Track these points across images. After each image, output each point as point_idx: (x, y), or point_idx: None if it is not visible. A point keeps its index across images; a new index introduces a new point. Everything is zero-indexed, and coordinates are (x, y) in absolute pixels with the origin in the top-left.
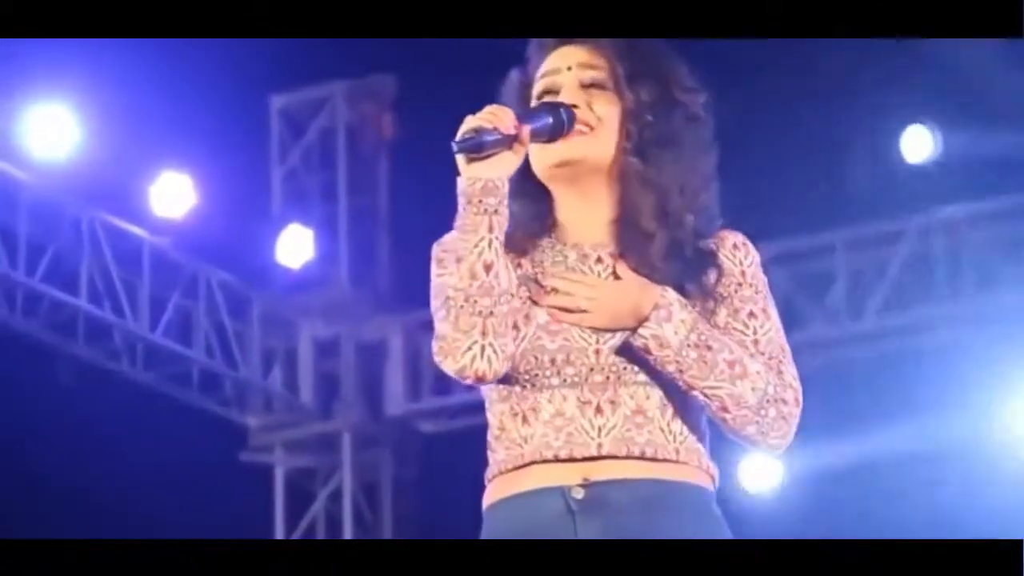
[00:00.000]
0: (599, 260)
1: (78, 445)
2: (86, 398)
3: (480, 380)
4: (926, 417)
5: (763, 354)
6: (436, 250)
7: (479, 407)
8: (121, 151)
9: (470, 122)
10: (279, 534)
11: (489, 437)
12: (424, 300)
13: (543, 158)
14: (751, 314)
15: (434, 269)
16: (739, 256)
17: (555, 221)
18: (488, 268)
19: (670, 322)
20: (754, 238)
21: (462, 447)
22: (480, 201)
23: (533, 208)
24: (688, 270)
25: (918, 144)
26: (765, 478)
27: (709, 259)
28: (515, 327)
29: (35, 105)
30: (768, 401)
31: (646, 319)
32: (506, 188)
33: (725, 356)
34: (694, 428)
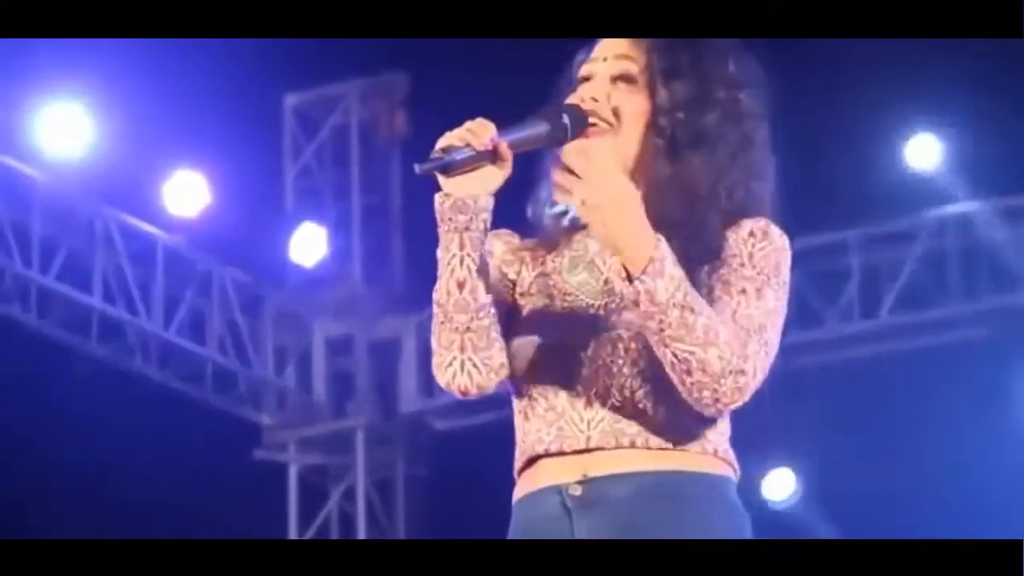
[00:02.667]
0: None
1: (92, 444)
2: (100, 396)
3: (464, 394)
4: (936, 417)
5: (736, 323)
6: None
7: (492, 404)
8: (135, 150)
9: (442, 140)
10: (292, 532)
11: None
12: None
13: (563, 157)
14: (742, 291)
15: None
16: (752, 241)
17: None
18: (461, 285)
19: (662, 277)
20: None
21: (475, 444)
22: (450, 219)
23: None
24: (701, 262)
25: (925, 151)
26: (776, 480)
27: (719, 250)
28: (515, 326)
29: (49, 104)
30: (729, 372)
31: (643, 271)
32: (485, 202)
33: (703, 320)
34: (697, 416)
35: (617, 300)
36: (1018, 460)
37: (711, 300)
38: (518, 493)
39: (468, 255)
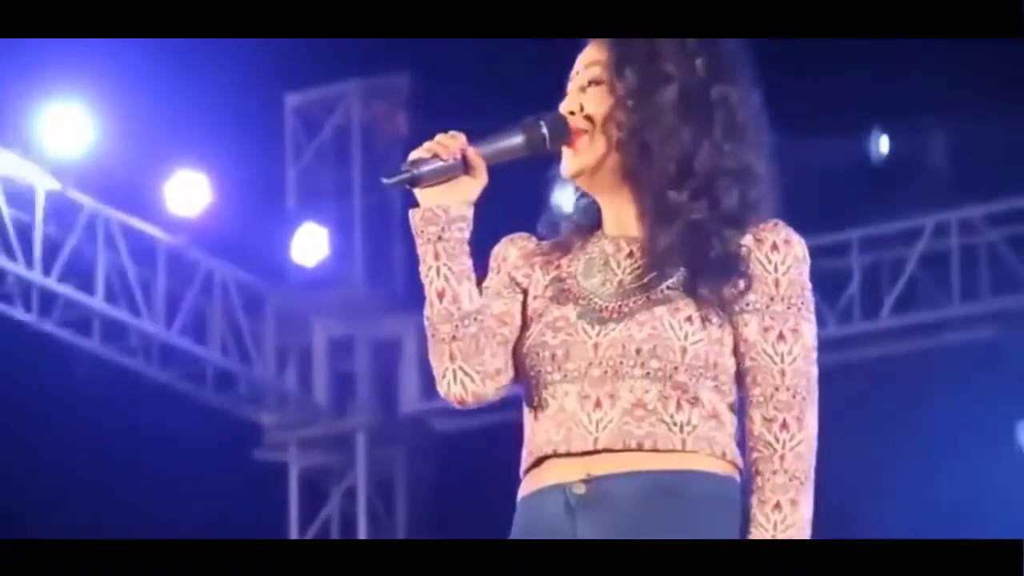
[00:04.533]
0: (630, 254)
1: (93, 444)
2: (101, 397)
3: (461, 404)
4: (938, 417)
5: (788, 390)
6: None
7: (493, 406)
8: (136, 149)
9: (412, 154)
10: (293, 532)
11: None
12: None
13: (563, 171)
14: (780, 336)
15: None
16: (775, 260)
17: (602, 217)
18: (441, 296)
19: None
20: None
21: (477, 446)
22: (422, 231)
23: (589, 210)
24: (717, 269)
25: (925, 150)
26: None
27: (738, 265)
28: (527, 329)
29: (50, 104)
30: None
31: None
32: (458, 212)
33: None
34: (707, 417)
35: (631, 303)
36: (1004, 460)
37: (746, 342)
38: (522, 492)
39: (444, 265)
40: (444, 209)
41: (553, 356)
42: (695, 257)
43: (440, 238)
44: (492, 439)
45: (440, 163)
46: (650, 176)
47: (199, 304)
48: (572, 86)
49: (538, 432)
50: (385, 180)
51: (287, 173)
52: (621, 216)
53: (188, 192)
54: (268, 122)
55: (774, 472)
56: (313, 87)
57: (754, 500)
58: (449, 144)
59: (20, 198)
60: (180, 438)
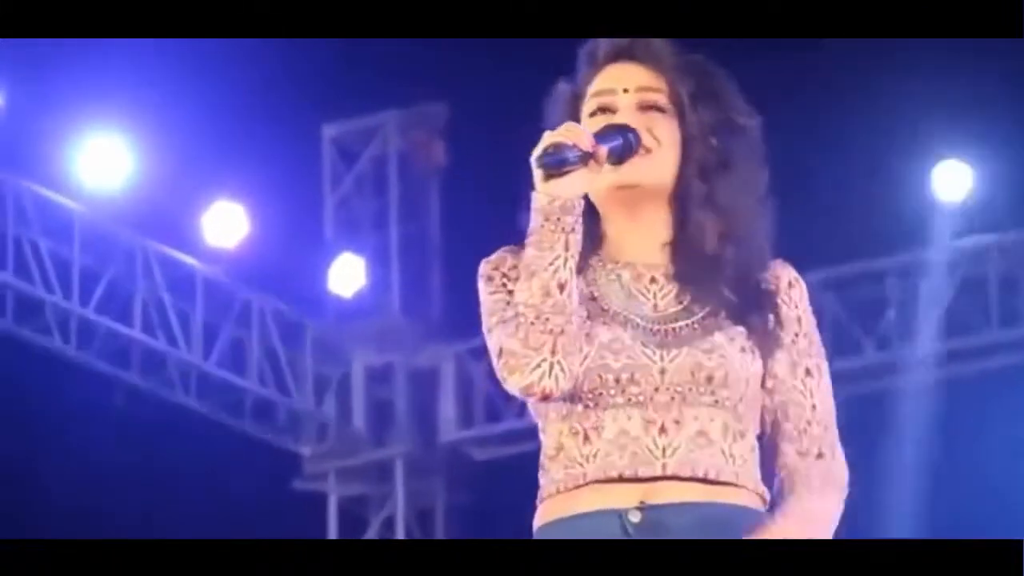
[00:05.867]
0: (653, 280)
1: (134, 474)
2: (140, 428)
3: (546, 398)
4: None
5: (819, 423)
6: (484, 268)
7: (531, 434)
8: (174, 180)
9: (549, 138)
10: None
11: (543, 458)
12: (476, 327)
13: (602, 180)
14: (807, 372)
15: (482, 287)
16: (795, 297)
17: (603, 238)
18: (562, 287)
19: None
20: (804, 263)
21: (514, 474)
22: (559, 219)
23: (584, 225)
24: (752, 302)
25: (954, 179)
26: None
27: (769, 297)
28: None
29: (89, 135)
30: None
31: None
32: (582, 206)
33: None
34: (750, 450)
35: (680, 327)
36: (1004, 460)
37: (775, 378)
38: (559, 513)
39: (572, 257)
40: (578, 200)
41: (617, 379)
42: (728, 284)
43: (574, 229)
44: (529, 467)
45: (578, 152)
46: (688, 206)
47: (237, 334)
48: (621, 105)
49: (594, 455)
50: (535, 160)
51: (324, 203)
52: (638, 241)
53: (226, 223)
54: (306, 153)
55: (809, 491)
56: (350, 117)
57: (780, 512)
58: (581, 135)
59: (58, 229)
60: (219, 469)
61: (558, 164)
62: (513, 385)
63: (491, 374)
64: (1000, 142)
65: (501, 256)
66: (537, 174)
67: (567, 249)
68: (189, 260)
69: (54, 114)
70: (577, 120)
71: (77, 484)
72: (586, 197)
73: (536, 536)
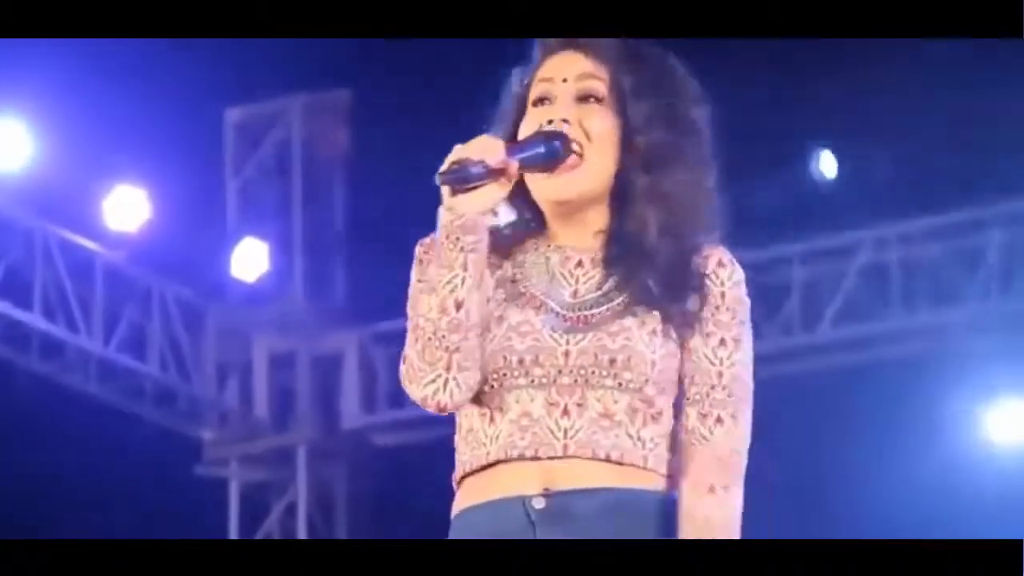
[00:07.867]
0: (579, 264)
1: (30, 459)
2: (40, 413)
3: (440, 411)
4: (882, 429)
5: (724, 388)
6: (418, 251)
7: (434, 420)
8: (75, 164)
9: (457, 152)
10: None
11: (456, 439)
12: (379, 313)
13: (541, 192)
14: (722, 342)
15: (414, 272)
16: (722, 276)
17: (543, 225)
18: (459, 305)
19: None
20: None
21: (417, 460)
22: (458, 239)
23: (524, 215)
24: (678, 286)
25: (865, 164)
26: None
27: (695, 281)
28: (487, 330)
29: None
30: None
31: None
32: (487, 222)
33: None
34: (665, 436)
35: (594, 313)
36: (1003, 460)
37: (689, 350)
38: (470, 500)
39: (470, 276)
40: (483, 217)
41: (521, 360)
42: (656, 273)
43: (474, 249)
44: (432, 454)
45: (484, 168)
46: (630, 198)
47: (138, 320)
48: (558, 94)
49: (497, 436)
50: (438, 176)
51: (227, 188)
52: (573, 228)
53: (127, 207)
54: (208, 137)
55: (705, 460)
56: (253, 101)
57: (684, 485)
58: (491, 149)
59: None
60: (119, 454)
61: (460, 180)
62: (411, 394)
63: (394, 360)
64: None
65: (434, 238)
66: (443, 190)
67: (465, 269)
68: (90, 245)
69: None
70: (524, 110)
71: None
72: (527, 189)
73: (452, 524)
